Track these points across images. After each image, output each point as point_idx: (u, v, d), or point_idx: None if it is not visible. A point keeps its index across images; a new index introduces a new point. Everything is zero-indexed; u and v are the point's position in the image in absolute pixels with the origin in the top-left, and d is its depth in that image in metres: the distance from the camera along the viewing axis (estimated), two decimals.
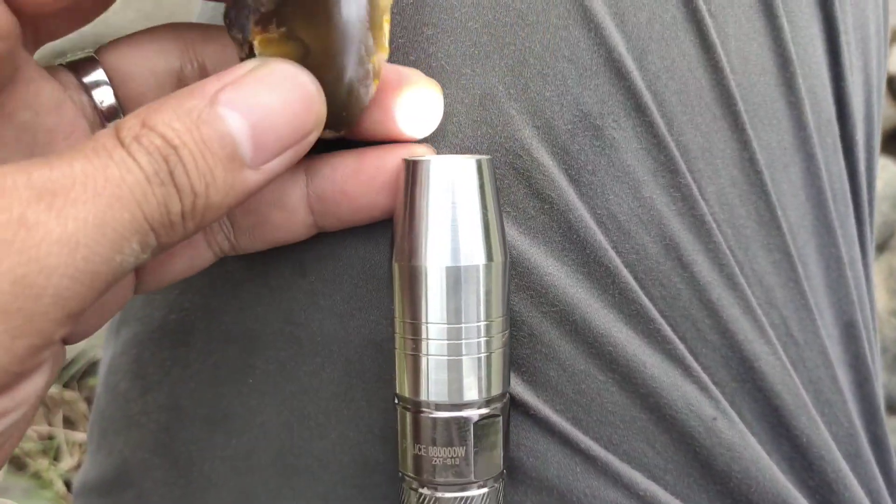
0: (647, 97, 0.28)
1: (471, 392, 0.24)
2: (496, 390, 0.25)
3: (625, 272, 0.28)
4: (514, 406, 0.28)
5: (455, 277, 0.24)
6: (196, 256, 0.28)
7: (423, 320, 0.24)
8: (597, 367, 0.29)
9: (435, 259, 0.24)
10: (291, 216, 0.27)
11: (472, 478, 0.25)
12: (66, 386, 1.07)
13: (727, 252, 0.30)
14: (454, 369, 0.24)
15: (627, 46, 0.28)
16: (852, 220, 0.34)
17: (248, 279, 0.30)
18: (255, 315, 0.30)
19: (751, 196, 0.30)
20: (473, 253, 0.24)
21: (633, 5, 0.28)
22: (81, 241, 0.19)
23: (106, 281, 0.20)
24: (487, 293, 0.24)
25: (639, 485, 0.29)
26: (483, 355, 0.24)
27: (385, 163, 0.26)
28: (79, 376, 1.08)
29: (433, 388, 0.24)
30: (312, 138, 0.23)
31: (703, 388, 0.29)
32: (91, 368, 1.07)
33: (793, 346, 0.32)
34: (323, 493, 0.30)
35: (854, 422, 0.33)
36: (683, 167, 0.29)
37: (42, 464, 1.01)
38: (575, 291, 0.28)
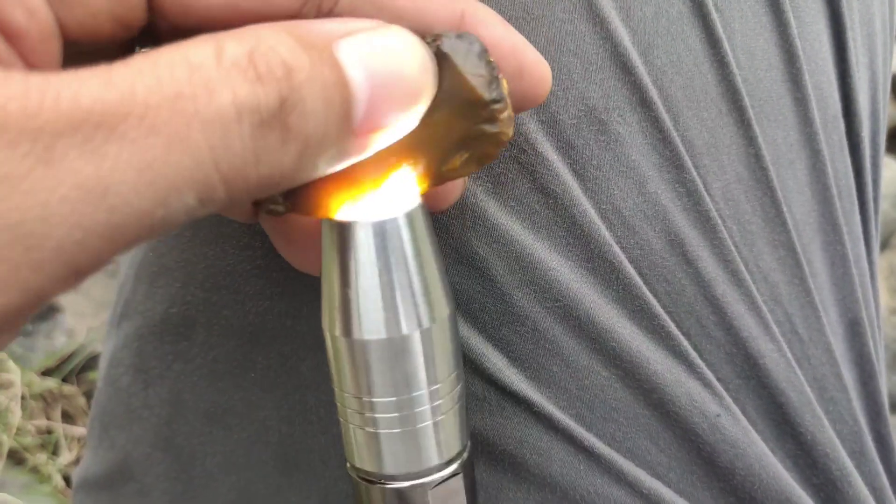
0: (653, 92, 0.28)
1: (428, 459, 0.23)
2: (454, 450, 0.23)
3: (629, 268, 0.28)
4: (517, 403, 0.28)
5: (399, 348, 0.21)
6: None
7: (369, 396, 0.22)
8: (600, 363, 0.28)
9: (374, 332, 0.21)
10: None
11: None
12: (65, 380, 1.07)
13: (732, 248, 0.30)
14: (409, 441, 0.23)
15: (633, 41, 0.28)
16: (857, 218, 0.34)
17: (251, 273, 0.30)
18: (257, 309, 0.30)
19: (756, 192, 0.30)
20: (414, 319, 0.21)
21: (638, 0, 0.28)
22: (112, 188, 0.15)
23: (136, 237, 0.16)
24: (434, 355, 0.22)
25: (643, 483, 0.28)
26: (438, 419, 0.23)
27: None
28: (78, 370, 1.08)
29: (387, 460, 0.23)
30: (417, 119, 0.20)
31: (707, 385, 0.29)
32: (90, 362, 1.07)
33: (797, 344, 0.31)
34: (323, 489, 0.30)
35: (858, 419, 0.33)
36: (689, 163, 0.29)
37: (40, 458, 1.01)
38: (579, 287, 0.28)
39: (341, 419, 0.23)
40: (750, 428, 0.30)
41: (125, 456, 0.33)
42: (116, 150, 0.15)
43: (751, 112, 0.30)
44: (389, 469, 0.23)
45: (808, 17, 0.31)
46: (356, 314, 0.21)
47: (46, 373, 1.06)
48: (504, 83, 0.21)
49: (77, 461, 1.03)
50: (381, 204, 0.21)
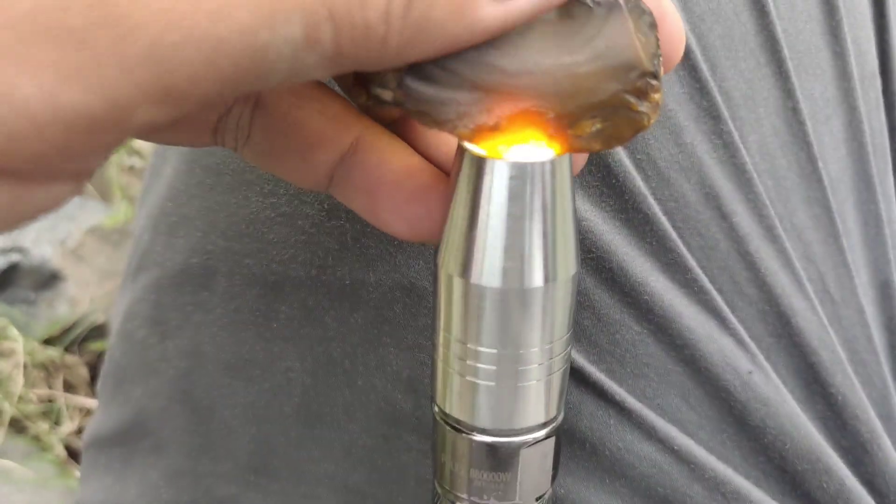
0: (692, 40, 0.27)
1: (524, 419, 0.22)
2: (551, 414, 0.22)
3: (663, 220, 0.28)
4: None
5: (516, 301, 0.20)
6: (193, 137, 0.23)
7: (476, 344, 0.21)
8: (632, 317, 0.28)
9: (493, 279, 0.20)
10: (310, 173, 0.23)
11: (517, 500, 0.23)
12: (67, 350, 1.06)
13: (767, 203, 0.29)
14: (508, 397, 0.21)
15: None
16: (891, 178, 0.34)
17: (274, 221, 0.29)
18: (281, 258, 0.29)
19: (792, 147, 0.30)
20: (539, 273, 0.20)
21: None
22: None
23: (236, 63, 0.14)
24: (552, 314, 0.21)
25: (675, 439, 0.28)
26: (543, 380, 0.21)
27: (434, 195, 0.22)
28: (80, 340, 1.07)
29: (482, 413, 0.21)
30: None
31: (739, 342, 0.29)
32: (92, 333, 1.07)
33: (829, 303, 0.31)
34: (347, 443, 0.29)
35: (888, 384, 0.32)
36: (726, 114, 0.28)
37: (42, 427, 1.01)
38: (612, 238, 0.27)
39: (438, 361, 0.22)
40: (781, 386, 0.29)
41: (140, 410, 0.33)
42: None
43: (789, 64, 0.29)
44: (483, 421, 0.22)
45: None
46: (478, 256, 0.20)
47: (49, 342, 1.06)
48: (662, 69, 0.19)
49: (79, 431, 1.02)
50: (525, 144, 0.19)
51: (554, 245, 0.20)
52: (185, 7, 0.13)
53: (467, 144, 0.20)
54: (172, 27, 0.13)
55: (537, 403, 0.22)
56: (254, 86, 0.15)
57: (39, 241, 1.09)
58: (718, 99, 0.28)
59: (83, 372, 1.06)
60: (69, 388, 1.06)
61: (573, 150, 0.20)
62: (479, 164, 0.19)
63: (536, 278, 0.20)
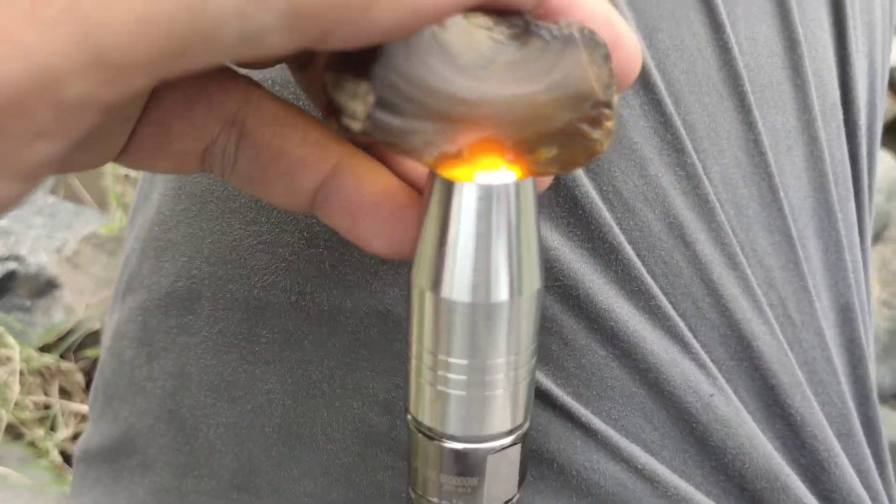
0: (656, 75, 0.29)
1: (492, 426, 0.23)
2: (518, 421, 0.24)
3: (628, 249, 0.29)
4: None
5: (484, 315, 0.21)
6: (182, 164, 0.23)
7: (446, 355, 0.22)
8: (598, 343, 0.29)
9: (462, 294, 0.21)
10: (293, 196, 0.24)
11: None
12: (63, 356, 1.07)
13: (729, 232, 0.30)
14: (477, 405, 0.23)
15: (638, 24, 0.28)
16: (852, 205, 0.35)
17: (256, 248, 0.30)
18: (263, 284, 0.30)
19: (754, 177, 0.31)
20: (505, 288, 0.21)
21: None
22: None
23: (173, 23, 0.13)
24: (518, 327, 0.22)
25: (638, 459, 0.29)
26: (509, 389, 0.23)
27: (412, 214, 0.23)
28: (76, 347, 1.08)
29: (453, 421, 0.23)
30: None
31: (700, 366, 0.30)
32: (87, 339, 1.08)
33: (790, 327, 0.32)
34: (325, 462, 0.30)
35: (847, 402, 0.34)
36: (689, 146, 0.29)
37: (38, 433, 1.02)
38: (579, 267, 0.28)
39: (411, 371, 0.23)
40: (741, 408, 0.30)
41: (128, 428, 0.34)
42: None
43: (751, 97, 0.30)
44: (452, 429, 0.23)
45: (809, 5, 0.32)
46: (448, 273, 0.21)
47: (45, 349, 1.07)
48: (616, 98, 0.21)
49: (74, 437, 1.03)
50: (492, 168, 0.21)
51: (519, 262, 0.21)
52: None
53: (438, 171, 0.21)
54: None
55: (504, 411, 0.23)
56: (202, 55, 0.14)
57: (36, 250, 1.10)
58: (682, 132, 0.29)
59: (79, 378, 1.07)
60: (65, 394, 1.07)
61: (532, 174, 0.21)
62: (448, 186, 0.21)
63: (502, 293, 0.21)
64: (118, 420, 0.34)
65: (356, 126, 0.20)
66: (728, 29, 0.29)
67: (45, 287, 1.09)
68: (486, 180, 0.21)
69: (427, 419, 0.23)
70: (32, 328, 1.06)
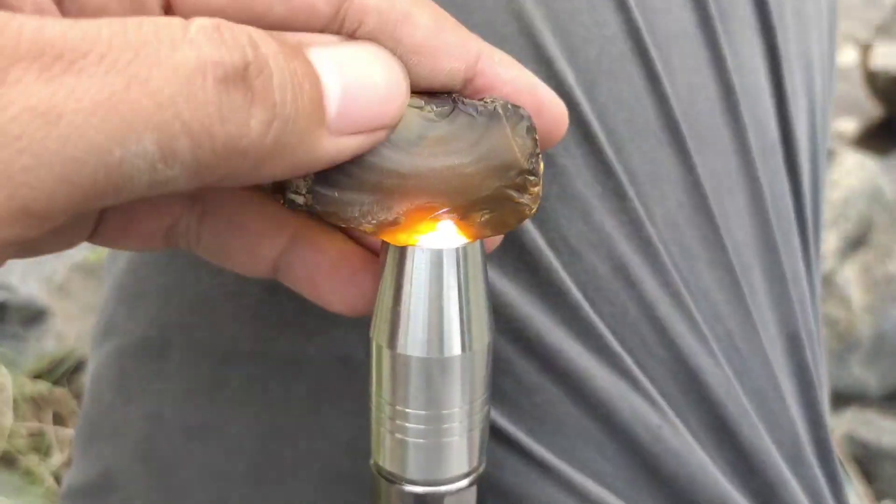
0: (596, 126, 0.30)
1: (449, 469, 0.25)
2: (473, 464, 0.25)
3: (575, 291, 0.30)
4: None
5: (437, 368, 0.23)
6: (148, 242, 0.25)
7: (404, 405, 0.24)
8: (550, 381, 0.30)
9: (416, 350, 0.23)
10: (256, 265, 0.26)
11: None
12: (55, 383, 1.08)
13: (672, 271, 0.32)
14: (434, 451, 0.24)
15: (577, 79, 0.30)
16: (796, 238, 0.36)
17: (223, 298, 0.32)
18: (230, 332, 0.32)
19: (696, 218, 0.32)
20: (456, 343, 0.23)
21: (582, 41, 0.30)
22: (66, 117, 0.15)
23: (91, 178, 0.15)
24: (471, 378, 0.24)
25: (591, 491, 0.31)
26: (463, 436, 0.24)
27: (366, 276, 0.25)
28: (68, 374, 1.09)
29: (411, 465, 0.24)
30: (385, 135, 0.21)
31: (649, 399, 0.31)
32: (81, 366, 1.09)
33: (737, 358, 0.34)
34: (293, 501, 0.32)
35: (796, 427, 0.35)
36: (631, 192, 0.31)
37: (32, 460, 1.02)
38: (528, 310, 0.30)
39: (372, 420, 0.25)
40: (691, 438, 0.32)
41: (108, 467, 0.35)
42: (74, 81, 0.15)
43: (690, 143, 0.32)
44: (412, 473, 0.25)
45: (744, 53, 0.33)
46: (403, 330, 0.23)
47: (38, 376, 1.08)
48: (541, 165, 0.23)
49: (68, 462, 1.04)
50: (442, 234, 0.23)
51: (469, 318, 0.23)
52: (36, 132, 0.15)
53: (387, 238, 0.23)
54: (24, 153, 0.15)
55: (460, 456, 0.25)
56: (116, 197, 0.16)
57: (26, 279, 1.11)
58: (623, 179, 0.31)
59: (72, 404, 1.08)
60: (58, 420, 1.08)
61: (469, 236, 0.23)
62: (401, 251, 0.23)
63: (455, 348, 0.23)
64: (99, 459, 0.36)
65: (299, 200, 0.22)
66: (664, 80, 0.31)
67: (36, 315, 1.10)
68: (434, 244, 0.22)
69: (388, 464, 0.25)
70: (24, 356, 1.07)
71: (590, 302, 0.31)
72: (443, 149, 0.22)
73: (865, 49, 1.88)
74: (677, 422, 0.32)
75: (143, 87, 0.15)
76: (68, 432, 1.06)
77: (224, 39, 0.17)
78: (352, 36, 0.21)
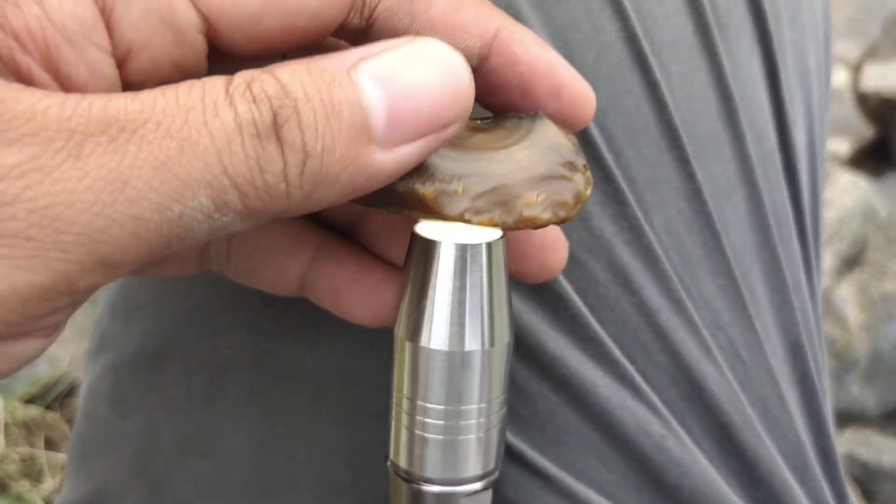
0: (595, 132, 0.30)
1: (466, 469, 0.25)
2: (489, 466, 0.25)
3: (576, 298, 0.30)
4: None
5: (458, 362, 0.23)
6: (183, 268, 0.27)
7: (424, 400, 0.24)
8: (551, 389, 0.30)
9: (439, 343, 0.23)
10: (282, 282, 0.27)
11: None
12: (48, 408, 1.07)
13: (674, 278, 0.31)
14: (451, 449, 0.24)
15: None
16: (797, 246, 0.36)
17: (218, 309, 0.31)
18: (227, 343, 0.31)
19: (696, 225, 0.32)
20: (478, 338, 0.23)
21: (580, 47, 0.30)
22: (130, 182, 0.17)
23: (157, 232, 0.18)
24: (490, 375, 0.24)
25: (594, 502, 0.30)
26: (482, 434, 0.24)
27: (387, 286, 0.26)
28: (61, 398, 1.08)
29: (429, 464, 0.24)
30: (453, 130, 0.21)
31: (652, 408, 0.31)
32: (73, 390, 1.08)
33: (740, 366, 0.33)
34: None
35: (801, 437, 0.35)
36: (631, 198, 0.31)
37: (24, 486, 1.01)
38: (529, 317, 0.30)
39: (392, 417, 0.25)
40: (694, 448, 0.31)
41: (103, 484, 0.34)
42: (136, 149, 0.17)
43: (689, 150, 0.32)
44: (428, 472, 0.24)
45: (741, 59, 0.33)
46: (426, 323, 0.23)
47: (30, 400, 1.07)
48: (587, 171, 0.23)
49: (60, 488, 1.03)
50: (467, 229, 0.23)
51: (491, 315, 0.23)
52: (107, 198, 0.17)
53: (419, 230, 0.23)
54: (99, 216, 0.17)
55: (477, 456, 0.25)
56: (181, 245, 0.18)
57: None
58: (623, 185, 0.31)
59: (64, 429, 1.07)
60: (50, 445, 1.07)
61: (528, 225, 0.23)
62: (429, 245, 0.23)
63: (476, 343, 0.23)
64: (93, 476, 0.35)
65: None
66: (663, 86, 0.31)
67: None
68: (461, 240, 0.23)
69: (405, 462, 0.25)
70: (16, 380, 1.06)
71: (590, 309, 0.31)
72: (494, 136, 0.23)
73: (856, 71, 1.90)
74: (680, 431, 0.31)
75: (194, 149, 0.18)
76: (60, 457, 1.05)
77: (255, 95, 0.18)
78: (371, 15, 0.22)
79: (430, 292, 0.23)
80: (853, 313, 1.25)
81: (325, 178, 0.19)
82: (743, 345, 0.33)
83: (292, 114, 0.18)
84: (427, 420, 0.24)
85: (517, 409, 0.30)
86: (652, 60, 0.31)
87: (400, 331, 0.24)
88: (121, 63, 0.20)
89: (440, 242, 0.23)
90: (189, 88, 0.18)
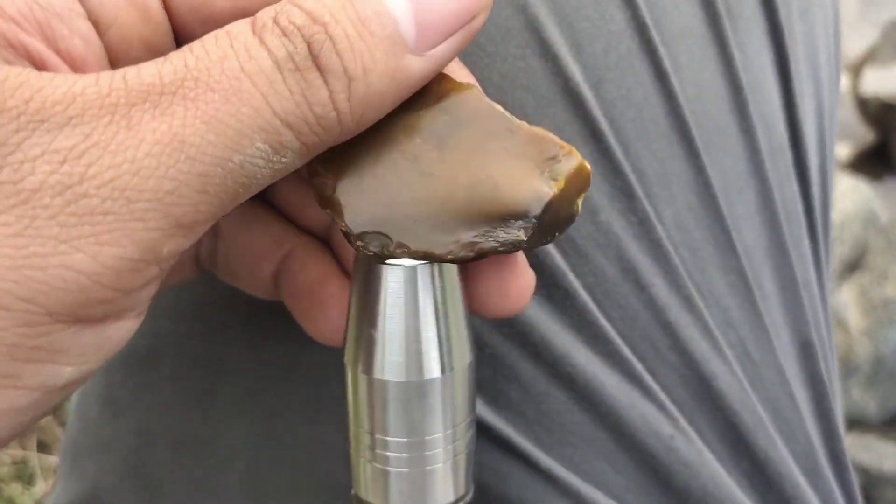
0: (604, 124, 0.29)
1: (434, 500, 0.23)
2: (460, 492, 0.24)
3: (584, 294, 0.29)
4: (476, 427, 0.29)
5: (417, 392, 0.22)
6: (184, 273, 0.27)
7: (383, 434, 0.22)
8: (557, 388, 0.29)
9: (393, 373, 0.22)
10: (259, 283, 0.27)
11: None
12: None
13: (684, 274, 0.31)
14: (416, 480, 0.23)
15: (584, 76, 0.29)
16: (807, 243, 0.35)
17: (215, 305, 0.30)
18: (222, 340, 0.31)
19: (706, 220, 0.31)
20: (436, 364, 0.22)
21: (589, 36, 0.29)
22: (187, 140, 0.17)
23: (222, 185, 0.18)
24: (452, 401, 0.22)
25: None
26: (447, 463, 0.23)
27: (337, 302, 0.25)
28: None
29: (393, 496, 0.23)
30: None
31: (661, 407, 0.30)
32: None
33: (750, 366, 0.32)
34: None
35: (811, 439, 0.34)
36: (640, 192, 0.30)
37: (15, 489, 1.00)
38: (535, 313, 0.29)
39: (352, 450, 0.24)
40: (704, 448, 0.31)
41: (95, 485, 0.34)
42: (182, 109, 0.17)
43: (699, 142, 0.31)
44: None
45: (752, 51, 0.33)
46: (379, 354, 0.22)
47: None
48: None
49: (52, 491, 1.02)
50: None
51: (448, 338, 0.22)
52: (168, 160, 0.17)
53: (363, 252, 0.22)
54: (164, 179, 0.17)
55: (445, 485, 0.23)
56: (247, 194, 0.19)
57: None
58: (632, 178, 0.30)
59: (57, 432, 1.06)
60: (43, 448, 1.06)
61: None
62: (373, 269, 0.21)
63: (434, 370, 0.22)
64: (85, 478, 0.34)
65: (321, 179, 0.22)
66: (672, 77, 0.30)
67: None
68: (408, 262, 0.21)
69: (370, 496, 0.24)
70: None
71: (598, 305, 0.30)
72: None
73: (856, 74, 1.90)
74: (690, 431, 0.30)
75: (238, 96, 0.17)
76: (53, 460, 1.04)
77: (283, 28, 0.18)
78: None
79: (378, 320, 0.22)
80: (854, 318, 1.25)
81: (373, 97, 0.19)
82: (753, 343, 0.33)
83: (325, 39, 0.18)
84: (389, 454, 0.23)
85: (523, 408, 0.29)
86: (661, 51, 0.30)
87: (350, 361, 0.22)
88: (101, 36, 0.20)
89: (386, 266, 0.21)
90: (215, 39, 0.18)
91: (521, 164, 0.21)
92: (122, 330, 0.19)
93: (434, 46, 0.20)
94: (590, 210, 0.29)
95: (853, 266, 1.30)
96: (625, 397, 0.29)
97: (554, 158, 0.21)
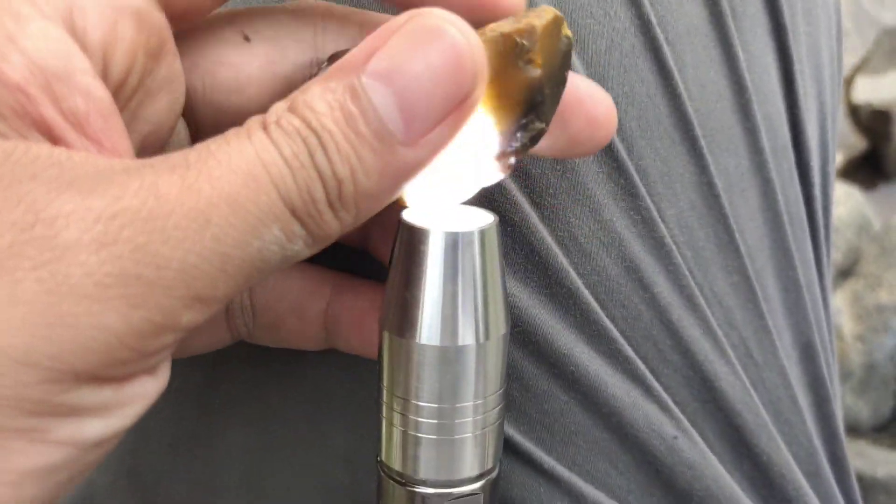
0: None
1: (461, 470, 0.23)
2: (487, 465, 0.24)
3: (586, 293, 0.29)
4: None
5: (452, 358, 0.22)
6: (215, 336, 0.27)
7: (415, 399, 0.23)
8: (559, 387, 0.29)
9: (429, 337, 0.22)
10: (307, 327, 0.27)
11: None
12: None
13: (687, 274, 0.30)
14: (446, 449, 0.23)
15: (587, 73, 0.29)
16: (809, 244, 0.35)
17: None
18: None
19: (709, 219, 0.31)
20: (472, 332, 0.22)
21: (592, 34, 0.29)
22: (213, 220, 0.18)
23: (241, 267, 0.18)
24: (485, 371, 0.23)
25: None
26: (477, 433, 0.23)
27: None
28: None
29: (423, 466, 0.23)
30: (476, 97, 0.20)
31: (664, 408, 0.30)
32: None
33: (752, 367, 0.32)
34: None
35: (813, 441, 0.34)
36: (643, 190, 0.30)
37: None
38: (537, 312, 0.29)
39: (382, 416, 0.24)
40: (707, 450, 0.30)
41: (90, 484, 0.33)
42: (208, 188, 0.18)
43: (702, 141, 0.31)
44: (422, 473, 0.23)
45: (756, 51, 0.32)
46: (416, 318, 0.22)
47: None
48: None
49: None
50: (457, 215, 0.22)
51: (485, 307, 0.22)
52: (195, 235, 0.18)
53: (405, 217, 0.22)
54: (190, 252, 0.18)
55: (472, 456, 0.23)
56: (262, 276, 0.19)
57: None
58: (635, 177, 0.29)
59: None
60: None
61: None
62: (417, 233, 0.22)
63: (469, 337, 0.22)
64: None
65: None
66: (676, 75, 0.30)
67: None
68: (451, 228, 0.22)
69: (397, 465, 0.24)
70: None
71: (601, 304, 0.29)
72: None
73: (847, 83, 1.90)
74: (693, 432, 0.30)
75: (257, 184, 0.18)
76: None
77: (285, 129, 0.19)
78: None
79: (419, 284, 0.22)
80: (847, 324, 1.25)
81: (364, 195, 0.19)
82: (756, 345, 0.32)
83: (317, 145, 0.19)
84: (420, 419, 0.23)
85: (524, 407, 0.29)
86: (666, 49, 0.30)
87: (387, 325, 0.23)
88: (104, 70, 0.20)
89: (429, 231, 0.22)
90: (234, 132, 0.19)
91: None
92: (146, 388, 0.20)
93: (426, 134, 0.19)
94: (593, 208, 0.29)
95: (847, 272, 1.31)
96: (627, 397, 0.29)
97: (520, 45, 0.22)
